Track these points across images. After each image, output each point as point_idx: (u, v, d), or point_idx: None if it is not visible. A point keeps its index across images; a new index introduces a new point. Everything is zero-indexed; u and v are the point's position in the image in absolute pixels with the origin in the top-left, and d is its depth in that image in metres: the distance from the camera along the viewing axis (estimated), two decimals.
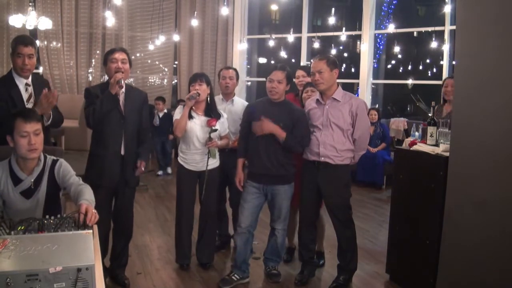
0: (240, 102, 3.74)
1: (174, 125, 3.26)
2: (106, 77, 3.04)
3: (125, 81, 2.93)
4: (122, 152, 2.94)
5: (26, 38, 2.90)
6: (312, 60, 3.12)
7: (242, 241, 3.19)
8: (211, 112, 3.29)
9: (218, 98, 3.70)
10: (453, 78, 3.59)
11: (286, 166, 3.12)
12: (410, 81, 6.53)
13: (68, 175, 2.29)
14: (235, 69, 3.80)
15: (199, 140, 3.25)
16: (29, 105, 2.78)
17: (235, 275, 3.19)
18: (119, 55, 2.90)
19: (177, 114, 3.28)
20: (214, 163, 3.32)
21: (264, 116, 3.04)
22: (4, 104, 2.71)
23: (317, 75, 3.01)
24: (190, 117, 3.24)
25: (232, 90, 3.71)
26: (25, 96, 2.82)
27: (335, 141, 3.03)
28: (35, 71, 3.06)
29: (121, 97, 2.93)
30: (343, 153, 3.05)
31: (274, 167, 3.09)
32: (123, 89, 2.91)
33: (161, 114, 6.79)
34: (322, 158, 3.04)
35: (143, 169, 3.03)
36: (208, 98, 3.30)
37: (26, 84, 2.84)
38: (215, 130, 3.24)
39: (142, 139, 3.06)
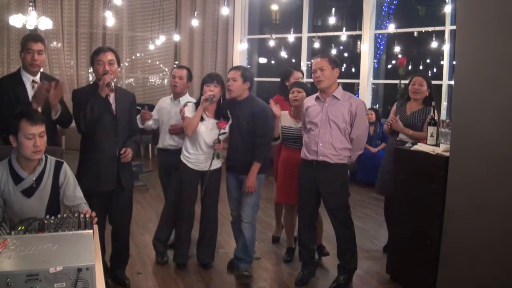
0: (185, 100, 3.56)
1: (186, 124, 3.21)
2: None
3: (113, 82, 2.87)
4: (117, 154, 2.88)
5: (36, 35, 3.01)
6: (312, 60, 3.13)
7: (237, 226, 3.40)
8: (220, 114, 3.28)
9: (168, 98, 3.70)
10: (422, 76, 3.59)
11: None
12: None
13: (73, 186, 2.37)
14: (187, 68, 3.74)
15: (206, 143, 3.24)
16: None
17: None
18: (105, 57, 2.82)
19: (188, 112, 3.24)
20: (216, 164, 3.31)
21: (231, 114, 3.26)
22: (6, 98, 2.75)
23: (318, 72, 3.02)
24: (201, 118, 3.22)
25: (182, 90, 3.64)
26: (31, 93, 2.83)
27: (334, 139, 3.03)
28: None
29: (111, 98, 2.88)
30: (341, 152, 3.05)
31: (244, 156, 3.20)
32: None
33: None
34: (321, 157, 3.04)
35: (129, 155, 2.87)
36: (221, 100, 3.29)
37: (33, 81, 2.86)
38: (224, 132, 3.23)
39: (131, 135, 3.00)
